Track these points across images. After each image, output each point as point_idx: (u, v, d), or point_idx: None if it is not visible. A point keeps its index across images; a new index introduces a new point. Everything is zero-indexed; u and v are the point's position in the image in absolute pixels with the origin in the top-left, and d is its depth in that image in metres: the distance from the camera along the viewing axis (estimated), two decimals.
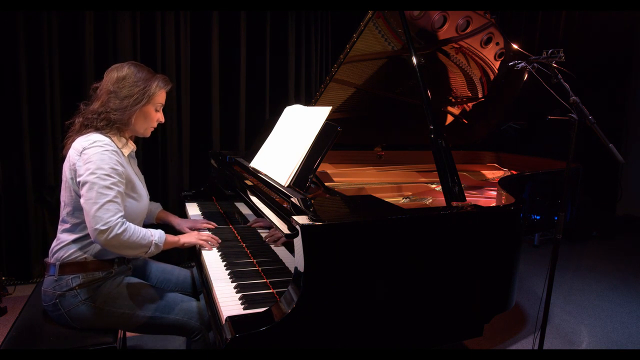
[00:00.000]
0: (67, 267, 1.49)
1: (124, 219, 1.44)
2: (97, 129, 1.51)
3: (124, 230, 1.41)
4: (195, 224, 1.97)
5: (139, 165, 1.79)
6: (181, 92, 3.40)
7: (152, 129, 1.66)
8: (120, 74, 1.53)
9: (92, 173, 1.40)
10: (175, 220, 1.99)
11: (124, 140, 1.59)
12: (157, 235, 1.54)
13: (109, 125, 1.52)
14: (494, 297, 1.53)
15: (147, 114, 1.59)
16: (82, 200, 1.42)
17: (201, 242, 1.75)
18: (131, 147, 1.63)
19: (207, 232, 1.89)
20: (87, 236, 1.50)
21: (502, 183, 2.02)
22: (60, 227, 1.54)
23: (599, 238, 4.57)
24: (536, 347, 2.05)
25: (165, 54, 3.31)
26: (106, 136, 1.51)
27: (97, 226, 1.37)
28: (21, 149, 2.93)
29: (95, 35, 3.05)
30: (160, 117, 1.65)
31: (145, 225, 1.92)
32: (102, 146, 1.45)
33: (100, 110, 1.51)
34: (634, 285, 3.38)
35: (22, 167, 2.95)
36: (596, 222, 4.60)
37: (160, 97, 1.60)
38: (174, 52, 3.33)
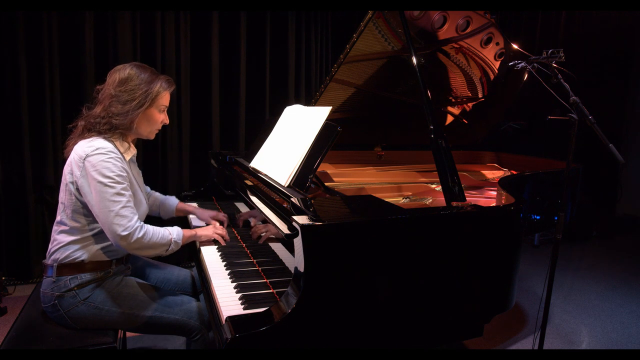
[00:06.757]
0: (65, 268, 1.49)
1: (141, 222, 1.46)
2: (100, 133, 1.48)
3: (144, 233, 1.45)
4: (217, 215, 1.98)
5: (138, 166, 1.78)
6: (181, 92, 3.40)
7: (157, 131, 1.64)
8: (122, 75, 1.50)
9: (99, 182, 1.39)
10: (197, 211, 2.01)
11: (126, 144, 1.57)
12: (175, 232, 1.57)
13: (112, 129, 1.49)
14: (494, 297, 1.53)
15: (151, 116, 1.56)
16: (94, 210, 1.42)
17: (217, 236, 1.79)
18: (133, 151, 1.61)
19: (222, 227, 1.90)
20: (85, 238, 1.50)
21: (502, 183, 2.02)
22: (57, 228, 1.52)
23: (599, 238, 4.56)
24: (536, 347, 2.05)
25: (165, 54, 3.31)
26: (109, 141, 1.48)
27: (118, 232, 1.39)
28: (21, 149, 2.93)
29: (95, 35, 3.05)
30: (164, 118, 1.62)
31: (165, 221, 1.96)
32: (105, 153, 1.43)
33: (102, 115, 1.49)
34: (634, 285, 3.38)
35: (22, 167, 2.95)
36: (596, 222, 4.60)
37: (164, 99, 1.57)
38: (174, 52, 3.33)
